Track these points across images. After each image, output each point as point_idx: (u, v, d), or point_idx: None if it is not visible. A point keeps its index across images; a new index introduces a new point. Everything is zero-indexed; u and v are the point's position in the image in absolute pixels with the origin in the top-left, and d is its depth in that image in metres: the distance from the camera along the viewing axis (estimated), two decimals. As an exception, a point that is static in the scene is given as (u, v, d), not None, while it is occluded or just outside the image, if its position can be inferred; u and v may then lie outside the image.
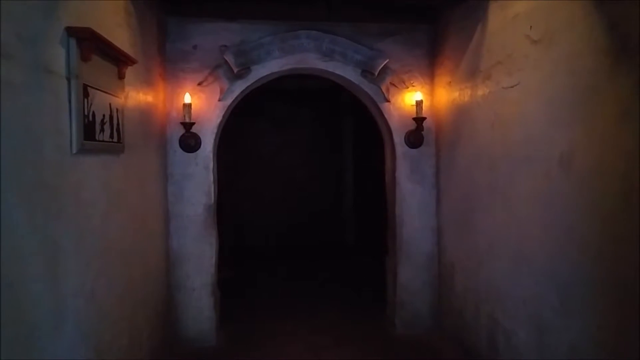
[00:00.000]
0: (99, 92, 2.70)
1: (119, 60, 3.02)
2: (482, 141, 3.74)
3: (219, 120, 4.64)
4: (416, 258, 4.87)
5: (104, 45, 2.71)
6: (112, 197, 3.06)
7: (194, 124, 4.48)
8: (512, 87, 3.20)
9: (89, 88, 2.56)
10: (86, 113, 2.54)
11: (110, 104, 2.90)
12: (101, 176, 2.87)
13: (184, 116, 4.42)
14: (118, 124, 3.04)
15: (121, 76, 3.09)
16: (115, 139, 3.00)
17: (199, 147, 4.61)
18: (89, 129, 2.58)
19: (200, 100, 4.61)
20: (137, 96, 3.66)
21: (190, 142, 4.59)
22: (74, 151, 2.44)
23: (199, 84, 4.60)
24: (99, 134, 2.73)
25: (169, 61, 4.59)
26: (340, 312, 5.58)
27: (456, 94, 4.27)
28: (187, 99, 4.44)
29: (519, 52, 3.11)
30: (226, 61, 4.55)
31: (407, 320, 4.89)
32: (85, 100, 2.52)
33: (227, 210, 8.70)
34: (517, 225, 3.23)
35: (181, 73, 4.61)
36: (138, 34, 3.67)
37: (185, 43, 4.60)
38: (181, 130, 4.52)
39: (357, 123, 9.20)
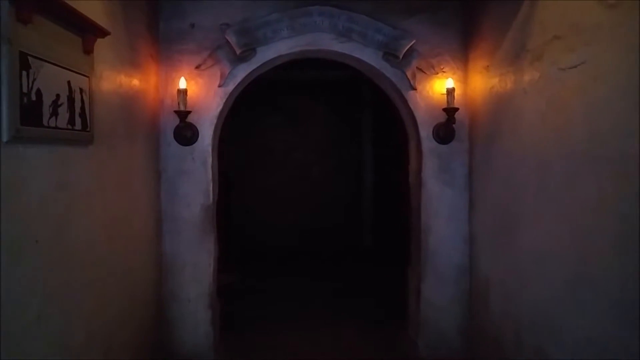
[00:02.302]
0: (48, 65, 2.13)
1: (83, 29, 2.44)
2: (529, 136, 3.09)
3: (219, 109, 4.06)
4: (444, 270, 4.22)
5: (54, 6, 2.13)
6: (76, 197, 2.50)
7: (189, 112, 3.90)
8: (574, 67, 2.52)
9: (30, 58, 1.99)
10: (26, 90, 1.96)
11: (69, 82, 2.33)
12: (56, 172, 2.30)
13: (179, 104, 3.85)
14: (83, 108, 2.47)
15: (88, 50, 2.52)
16: (77, 127, 2.43)
17: (196, 139, 4.04)
18: (31, 111, 2.01)
19: (198, 86, 4.03)
20: (116, 77, 3.10)
21: (185, 133, 4.02)
22: (5, 139, 1.86)
23: (197, 67, 4.02)
24: (48, 118, 2.15)
25: (163, 41, 4.03)
26: (355, 328, 4.96)
27: (495, 81, 3.61)
28: (182, 84, 3.87)
29: (586, 21, 2.43)
30: (227, 41, 3.95)
31: (431, 342, 4.24)
32: (25, 73, 1.95)
33: (235, 210, 8.19)
34: (576, 238, 2.57)
35: (177, 55, 4.04)
36: (118, 4, 3.10)
37: (181, 21, 4.02)
38: (176, 120, 3.95)
39: (377, 117, 8.57)
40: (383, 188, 8.35)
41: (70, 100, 2.33)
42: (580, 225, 2.54)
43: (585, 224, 2.50)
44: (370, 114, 8.85)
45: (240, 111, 8.17)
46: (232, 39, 3.93)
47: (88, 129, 2.55)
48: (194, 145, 4.04)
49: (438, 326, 4.25)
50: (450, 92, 3.98)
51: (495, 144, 3.65)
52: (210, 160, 4.07)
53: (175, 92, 3.90)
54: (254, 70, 4.08)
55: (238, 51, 3.96)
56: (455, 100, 3.99)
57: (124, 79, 3.23)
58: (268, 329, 4.92)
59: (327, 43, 4.07)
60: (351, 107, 9.01)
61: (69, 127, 2.34)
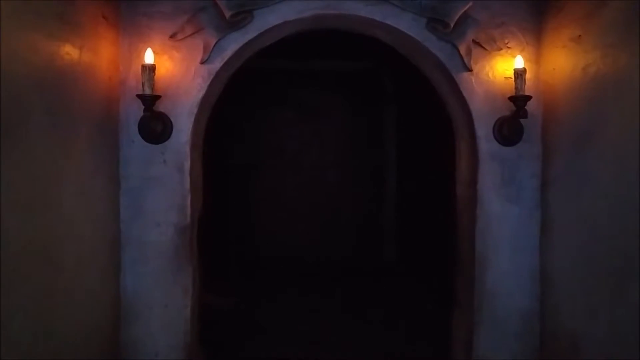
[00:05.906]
0: None
1: None
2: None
3: (201, 93, 2.97)
4: (504, 318, 3.09)
5: None
6: None
7: (158, 98, 2.84)
8: None
9: None
10: None
11: None
12: None
13: (143, 85, 2.78)
14: None
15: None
16: None
17: (169, 135, 2.97)
18: None
19: (173, 63, 2.96)
20: (25, 38, 2.03)
21: (155, 127, 2.95)
22: None
23: (172, 36, 2.95)
24: None
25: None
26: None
27: (594, 56, 2.48)
28: (149, 57, 2.80)
29: None
30: (214, 1, 2.87)
31: (486, 413, 3.14)
32: None
33: (235, 217, 7.15)
34: None
35: (144, 19, 2.97)
36: None
37: (150, -29, 2.95)
38: (142, 109, 2.88)
39: (401, 113, 7.48)
40: (408, 195, 7.24)
41: None
42: None
43: None
44: (394, 109, 7.75)
45: (245, 104, 7.23)
46: (219, -3, 2.86)
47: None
48: (165, 142, 2.97)
49: (494, 393, 3.14)
50: (519, 74, 2.86)
51: (590, 146, 2.54)
52: (188, 163, 2.99)
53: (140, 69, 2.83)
54: (250, 41, 2.99)
55: (228, 14, 2.87)
56: (525, 86, 2.88)
57: (44, 44, 2.15)
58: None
59: (351, 6, 2.97)
60: (372, 101, 7.90)
61: None
